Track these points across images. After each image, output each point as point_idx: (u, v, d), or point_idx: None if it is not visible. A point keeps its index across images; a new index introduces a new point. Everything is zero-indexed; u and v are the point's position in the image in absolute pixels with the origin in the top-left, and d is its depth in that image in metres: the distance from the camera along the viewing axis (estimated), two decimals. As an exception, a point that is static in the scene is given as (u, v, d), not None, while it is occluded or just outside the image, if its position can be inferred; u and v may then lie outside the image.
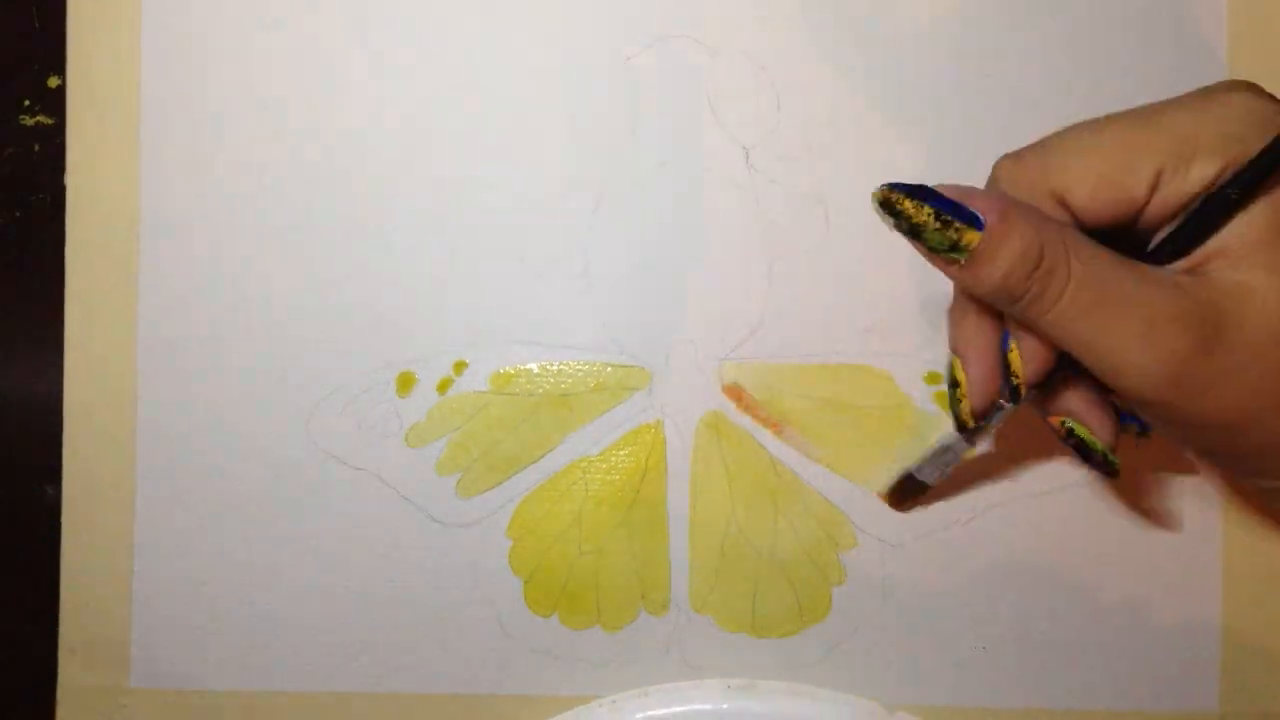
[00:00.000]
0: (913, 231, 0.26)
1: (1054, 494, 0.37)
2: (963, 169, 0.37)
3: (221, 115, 0.37)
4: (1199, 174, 0.25)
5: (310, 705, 0.37)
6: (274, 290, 0.37)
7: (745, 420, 0.37)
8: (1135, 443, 0.31)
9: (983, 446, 0.34)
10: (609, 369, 0.37)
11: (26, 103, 0.37)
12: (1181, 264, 0.26)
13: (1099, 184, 0.26)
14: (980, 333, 0.29)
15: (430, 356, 0.37)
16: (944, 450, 0.33)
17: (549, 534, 0.37)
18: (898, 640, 0.37)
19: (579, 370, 0.37)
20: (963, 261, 0.26)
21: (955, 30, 0.37)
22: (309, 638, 0.37)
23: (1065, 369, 0.29)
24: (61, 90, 0.37)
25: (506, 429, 0.37)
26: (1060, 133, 0.27)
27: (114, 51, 0.37)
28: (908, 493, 0.35)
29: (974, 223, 0.25)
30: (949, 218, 0.25)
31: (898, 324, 0.37)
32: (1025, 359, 0.28)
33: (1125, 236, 0.27)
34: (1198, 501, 0.37)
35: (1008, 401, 0.29)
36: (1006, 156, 0.28)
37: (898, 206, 0.26)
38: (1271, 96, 0.26)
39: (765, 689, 0.36)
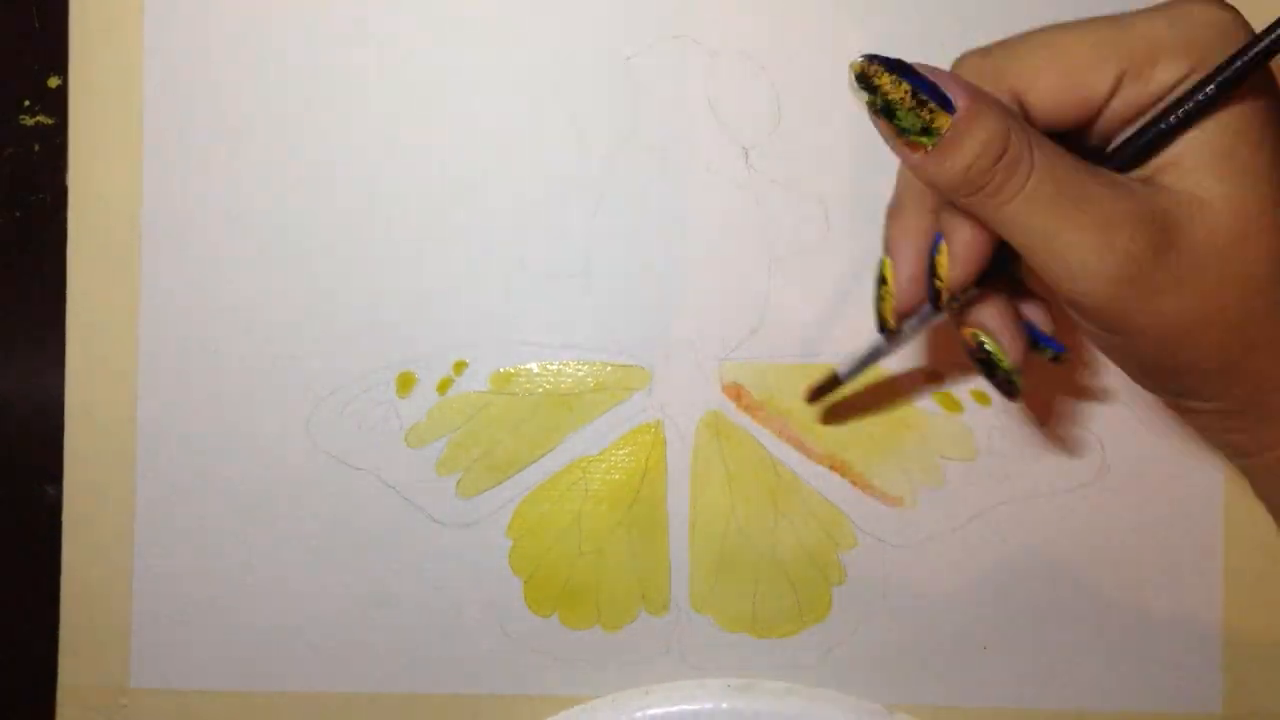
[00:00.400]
0: (886, 109, 0.25)
1: (1054, 494, 0.37)
2: (963, 169, 0.37)
3: (223, 115, 0.37)
4: (1162, 78, 0.25)
5: (310, 705, 0.37)
6: (274, 290, 0.37)
7: (745, 420, 0.37)
8: (1049, 365, 0.31)
9: (903, 351, 0.34)
10: (609, 369, 0.37)
11: (26, 103, 0.37)
12: (1136, 173, 0.26)
13: (1061, 82, 0.26)
14: (917, 234, 0.29)
15: (430, 356, 0.37)
16: (869, 352, 0.33)
17: (549, 534, 0.37)
18: (898, 640, 0.37)
19: (579, 370, 0.37)
20: (930, 147, 0.25)
21: (955, 30, 0.37)
22: (309, 638, 0.37)
23: (990, 279, 0.29)
24: (61, 90, 0.37)
25: (506, 429, 0.37)
26: (1025, 33, 0.27)
27: (115, 51, 0.37)
28: (824, 389, 0.35)
29: (946, 105, 0.25)
30: (924, 97, 0.25)
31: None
32: (952, 263, 0.28)
33: (1081, 142, 0.27)
34: (1198, 501, 0.37)
35: (930, 307, 0.29)
36: (970, 52, 0.27)
37: (875, 81, 0.25)
38: (1234, 9, 0.26)
39: (765, 689, 0.36)
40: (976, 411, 0.37)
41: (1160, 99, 0.26)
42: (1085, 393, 0.37)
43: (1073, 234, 0.25)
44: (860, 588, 0.37)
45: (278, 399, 0.37)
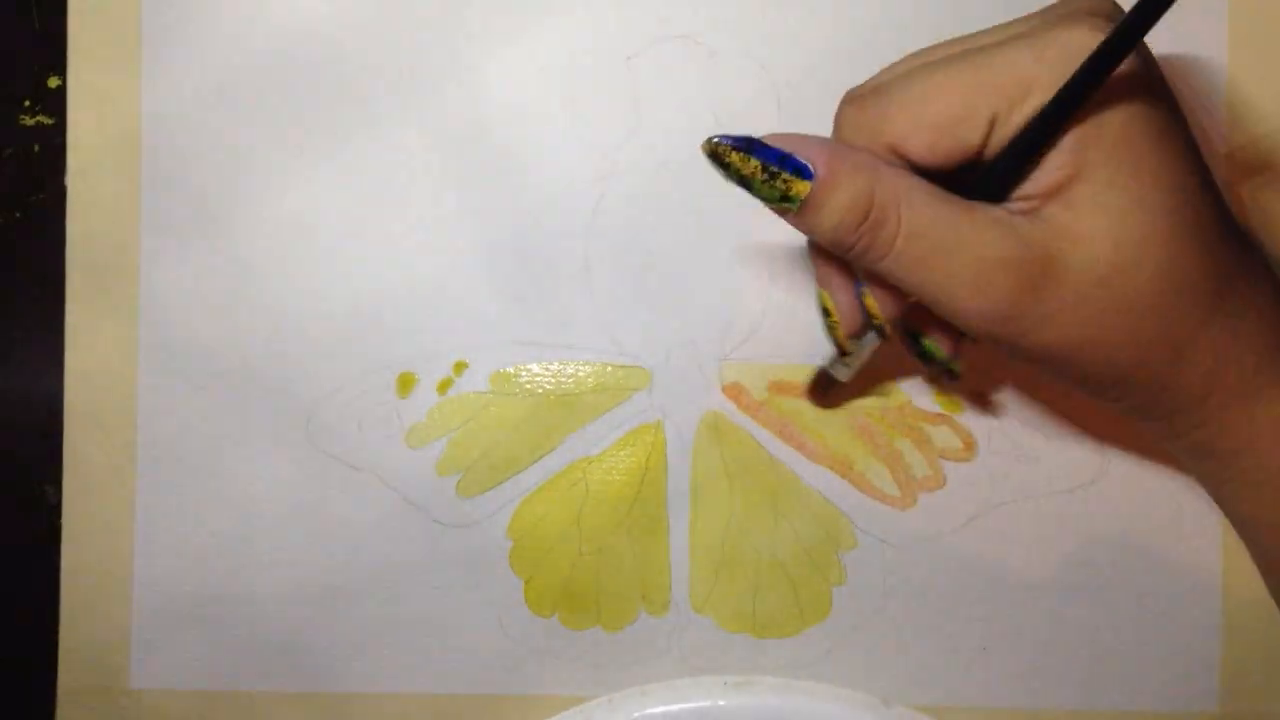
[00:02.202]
0: (742, 183, 0.26)
1: (1054, 494, 0.37)
2: (963, 169, 0.37)
3: (223, 115, 0.37)
4: (1030, 112, 0.25)
5: (310, 705, 0.37)
6: (274, 290, 0.37)
7: (745, 420, 0.37)
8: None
9: (903, 352, 0.35)
10: (609, 369, 0.37)
11: (26, 103, 0.37)
12: (1019, 205, 0.26)
13: (934, 134, 0.26)
14: (838, 268, 0.30)
15: (430, 356, 0.37)
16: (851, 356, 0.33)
17: (549, 534, 0.37)
18: (898, 640, 0.37)
19: (579, 370, 0.37)
20: (794, 210, 0.26)
21: (955, 30, 0.37)
22: (309, 638, 0.37)
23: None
24: (61, 90, 0.37)
25: (506, 429, 0.37)
26: (896, 76, 0.27)
27: (114, 51, 0.37)
28: (821, 386, 0.35)
29: (802, 173, 0.26)
30: (775, 169, 0.26)
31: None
32: (879, 299, 0.29)
33: (968, 174, 0.27)
34: (1198, 501, 0.37)
35: (875, 334, 0.30)
36: (847, 100, 0.28)
37: (725, 159, 0.26)
38: (1102, 27, 0.25)
39: (763, 685, 0.36)
40: (977, 412, 0.37)
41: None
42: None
43: (946, 283, 0.26)
44: (860, 588, 0.37)
45: (278, 399, 0.37)
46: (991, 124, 0.26)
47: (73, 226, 0.37)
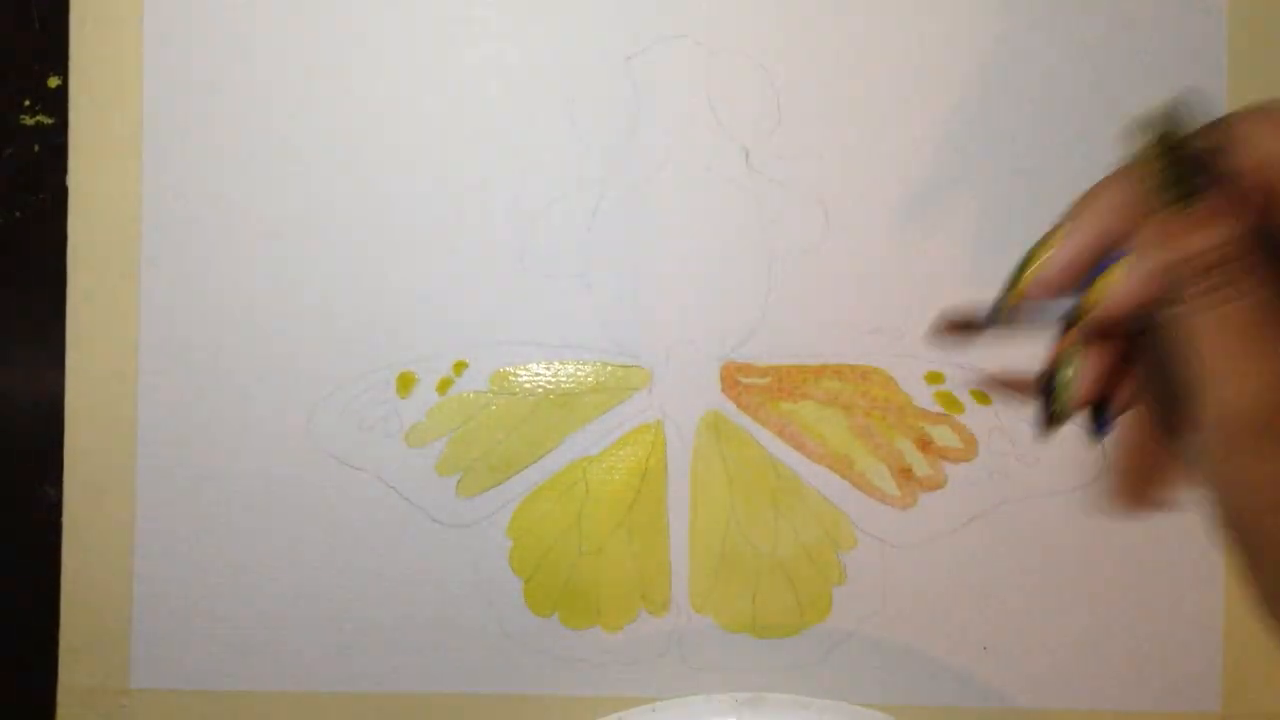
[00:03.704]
0: (1162, 141, 0.24)
1: (1054, 495, 0.37)
2: (963, 166, 0.37)
3: (223, 115, 0.37)
4: None
5: (310, 705, 0.37)
6: (274, 290, 0.37)
7: (745, 420, 0.37)
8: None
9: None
10: (609, 369, 0.37)
11: (27, 103, 0.37)
12: None
13: None
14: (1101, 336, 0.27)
15: (430, 356, 0.37)
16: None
17: (549, 534, 0.37)
18: (898, 640, 0.37)
19: (579, 370, 0.37)
20: (1178, 204, 0.24)
21: (955, 30, 0.37)
22: (309, 638, 0.37)
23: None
24: (61, 90, 0.37)
25: (506, 429, 0.37)
26: None
27: (115, 51, 0.37)
28: (963, 327, 0.31)
29: (1208, 183, 0.24)
30: (1193, 163, 0.24)
31: (898, 324, 0.37)
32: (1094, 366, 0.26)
33: None
34: (1198, 502, 0.37)
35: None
36: (1261, 114, 0.24)
37: (1170, 127, 0.24)
38: None
39: (773, 702, 0.36)
40: (976, 411, 0.37)
41: None
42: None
43: (1237, 368, 0.23)
44: (860, 588, 0.37)
45: (278, 399, 0.37)
46: None
47: (73, 226, 0.37)
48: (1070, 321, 0.26)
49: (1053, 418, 0.27)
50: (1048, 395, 0.27)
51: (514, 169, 0.37)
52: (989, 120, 0.37)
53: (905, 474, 0.37)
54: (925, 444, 0.37)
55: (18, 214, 0.37)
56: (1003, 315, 0.27)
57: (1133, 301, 0.25)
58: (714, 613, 0.37)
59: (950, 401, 0.37)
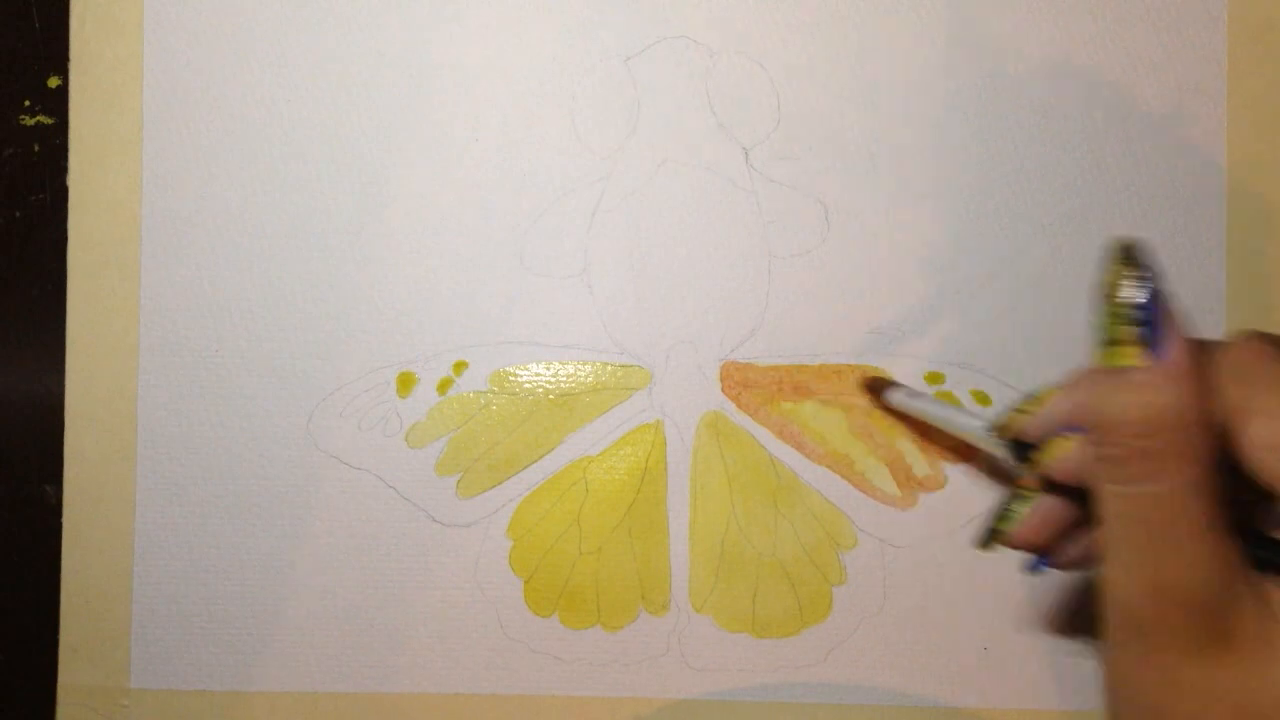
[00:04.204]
0: (1107, 289, 0.22)
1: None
2: (963, 166, 0.37)
3: (223, 115, 0.37)
4: None
5: (310, 705, 0.37)
6: (274, 290, 0.37)
7: (745, 420, 0.37)
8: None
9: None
10: (609, 369, 0.37)
11: (27, 103, 0.37)
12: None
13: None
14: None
15: (430, 356, 0.37)
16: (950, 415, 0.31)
17: (549, 534, 0.37)
18: (898, 640, 0.37)
19: (579, 370, 0.37)
20: (1104, 366, 0.22)
21: (956, 30, 0.37)
22: (309, 638, 0.37)
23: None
24: (61, 90, 0.37)
25: (506, 429, 0.37)
26: None
27: (115, 51, 0.37)
28: (877, 389, 0.34)
29: (1152, 345, 0.22)
30: (1136, 312, 0.22)
31: (898, 324, 0.37)
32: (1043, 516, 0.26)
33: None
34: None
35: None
36: (1251, 337, 0.23)
37: (1126, 265, 0.22)
38: None
39: None
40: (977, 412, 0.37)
41: None
42: (1085, 393, 0.37)
43: (1135, 559, 0.22)
44: (860, 588, 0.37)
45: (278, 399, 0.37)
46: None
47: (73, 226, 0.37)
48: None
49: (988, 540, 0.27)
50: (993, 518, 0.27)
51: (514, 169, 0.37)
52: (989, 120, 0.37)
53: (905, 474, 0.37)
54: (925, 444, 0.37)
55: (18, 214, 0.37)
56: (990, 542, 0.28)
57: (1063, 471, 0.25)
58: (714, 613, 0.37)
59: (951, 401, 0.37)
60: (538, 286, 0.37)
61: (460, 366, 0.37)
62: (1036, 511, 0.27)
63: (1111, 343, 0.22)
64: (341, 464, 0.37)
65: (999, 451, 0.28)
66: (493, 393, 0.37)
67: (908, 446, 0.37)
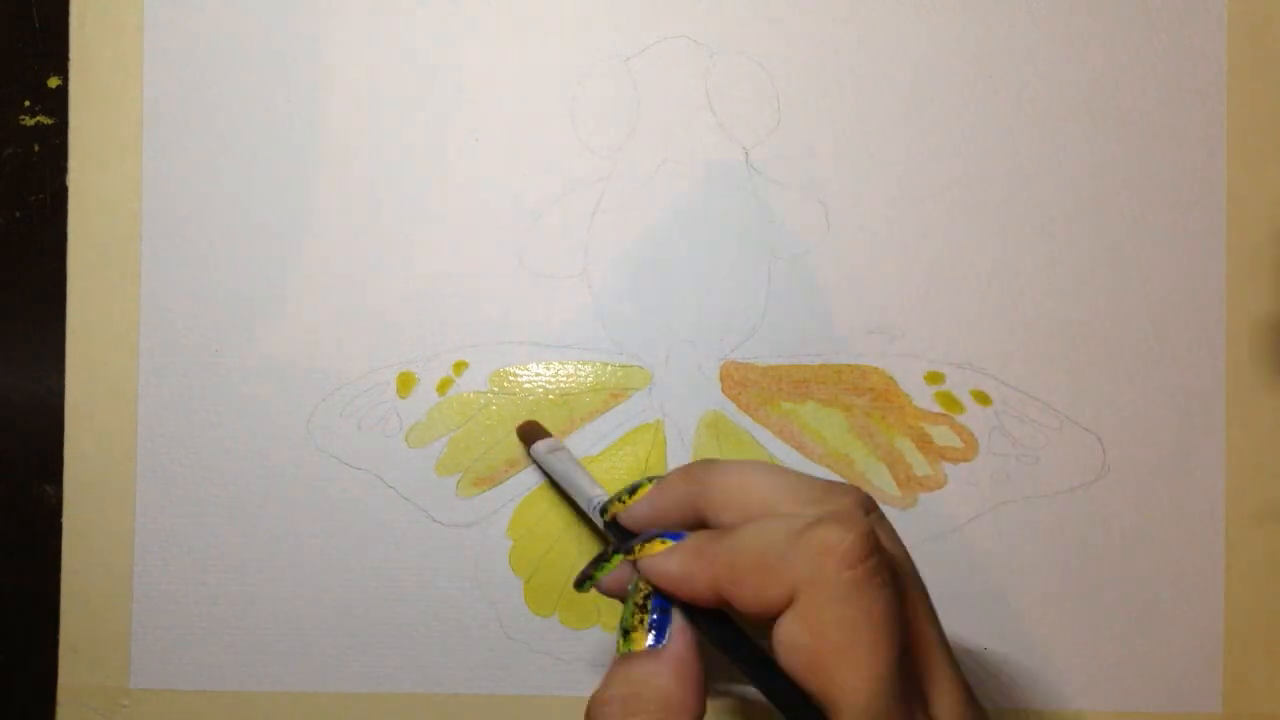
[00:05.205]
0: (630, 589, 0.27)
1: (1055, 495, 0.37)
2: (963, 166, 0.37)
3: (223, 115, 0.37)
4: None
5: (310, 705, 0.37)
6: (274, 290, 0.37)
7: (745, 420, 0.37)
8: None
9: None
10: (609, 369, 0.37)
11: (26, 103, 0.37)
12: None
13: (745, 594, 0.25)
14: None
15: (430, 356, 0.37)
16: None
17: (549, 534, 0.37)
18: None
19: (579, 370, 0.37)
20: (622, 649, 0.26)
21: (956, 30, 0.37)
22: (309, 638, 0.37)
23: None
24: (61, 90, 0.37)
25: (507, 429, 0.37)
26: (735, 530, 0.25)
27: (115, 51, 0.37)
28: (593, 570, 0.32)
29: (657, 632, 0.26)
30: (650, 608, 0.26)
31: (898, 324, 0.37)
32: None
33: None
34: (1198, 501, 0.37)
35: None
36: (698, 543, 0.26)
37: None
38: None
39: None
40: (976, 411, 0.37)
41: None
42: (1085, 392, 0.37)
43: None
44: (860, 588, 0.37)
45: (278, 399, 0.37)
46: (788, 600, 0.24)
47: (73, 226, 0.37)
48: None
49: (581, 584, 0.29)
50: (593, 563, 0.29)
51: (514, 169, 0.37)
52: (989, 120, 0.37)
53: (905, 474, 0.37)
54: (925, 444, 0.37)
55: (18, 214, 0.37)
56: (584, 585, 0.30)
57: (650, 569, 0.27)
58: (714, 613, 0.37)
59: (950, 401, 0.37)
60: (538, 286, 0.37)
61: (460, 366, 0.37)
62: (624, 570, 0.28)
63: (624, 631, 0.26)
64: (341, 464, 0.37)
65: (604, 530, 0.30)
66: (493, 393, 0.37)
67: (908, 446, 0.37)
